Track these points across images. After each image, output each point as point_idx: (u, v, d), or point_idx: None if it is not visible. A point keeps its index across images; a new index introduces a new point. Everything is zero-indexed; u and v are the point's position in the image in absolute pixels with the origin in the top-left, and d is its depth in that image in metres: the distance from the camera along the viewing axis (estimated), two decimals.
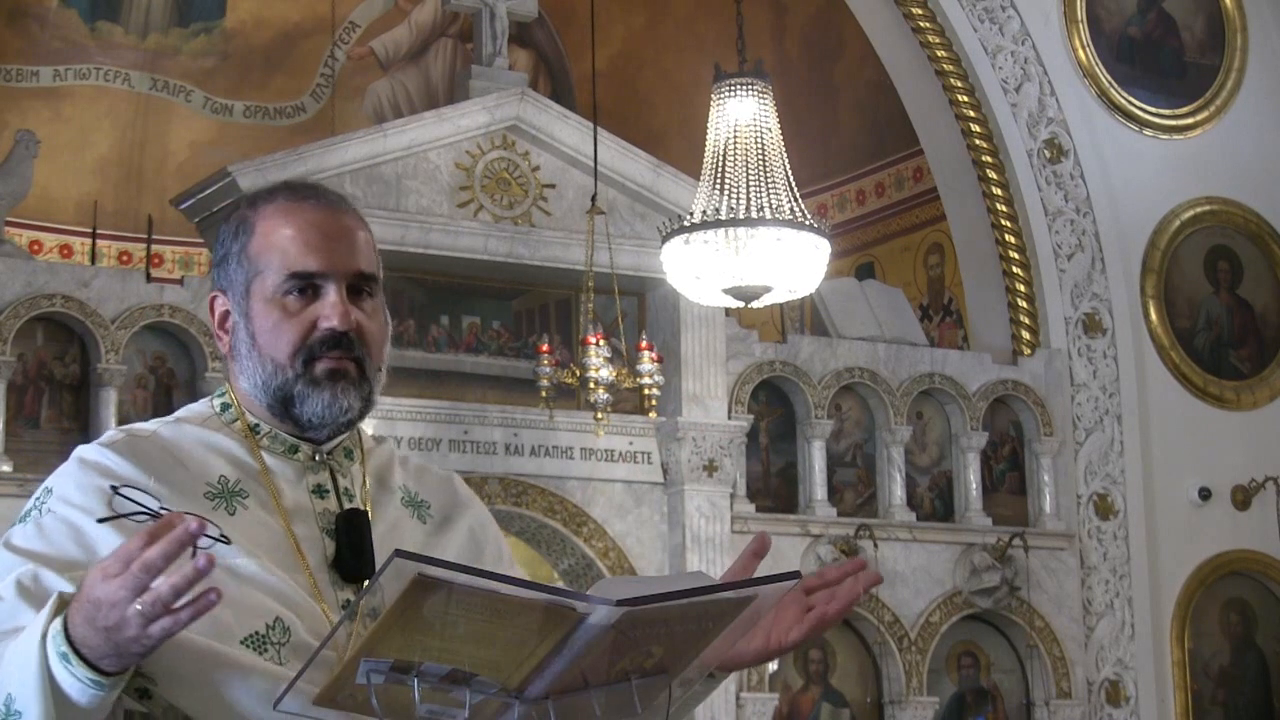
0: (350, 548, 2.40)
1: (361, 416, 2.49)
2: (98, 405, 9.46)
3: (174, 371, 9.79)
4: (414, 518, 2.54)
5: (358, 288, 2.46)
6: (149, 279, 10.02)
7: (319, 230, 2.45)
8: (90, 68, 14.51)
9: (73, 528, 2.31)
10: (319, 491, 2.47)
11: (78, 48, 14.47)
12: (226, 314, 2.49)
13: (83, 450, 2.42)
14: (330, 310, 2.42)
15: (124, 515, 2.18)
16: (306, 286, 2.44)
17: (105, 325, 9.49)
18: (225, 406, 2.51)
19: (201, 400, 2.56)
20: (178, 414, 2.54)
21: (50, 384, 9.51)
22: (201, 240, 11.12)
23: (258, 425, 2.48)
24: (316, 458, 2.48)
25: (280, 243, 2.44)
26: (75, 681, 2.10)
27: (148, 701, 2.27)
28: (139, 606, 2.01)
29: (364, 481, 2.51)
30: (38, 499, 2.37)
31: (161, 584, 2.00)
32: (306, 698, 2.10)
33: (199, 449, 2.45)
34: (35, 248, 13.84)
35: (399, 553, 2.04)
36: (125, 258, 14.22)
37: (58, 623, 2.11)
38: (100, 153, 14.52)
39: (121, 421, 9.50)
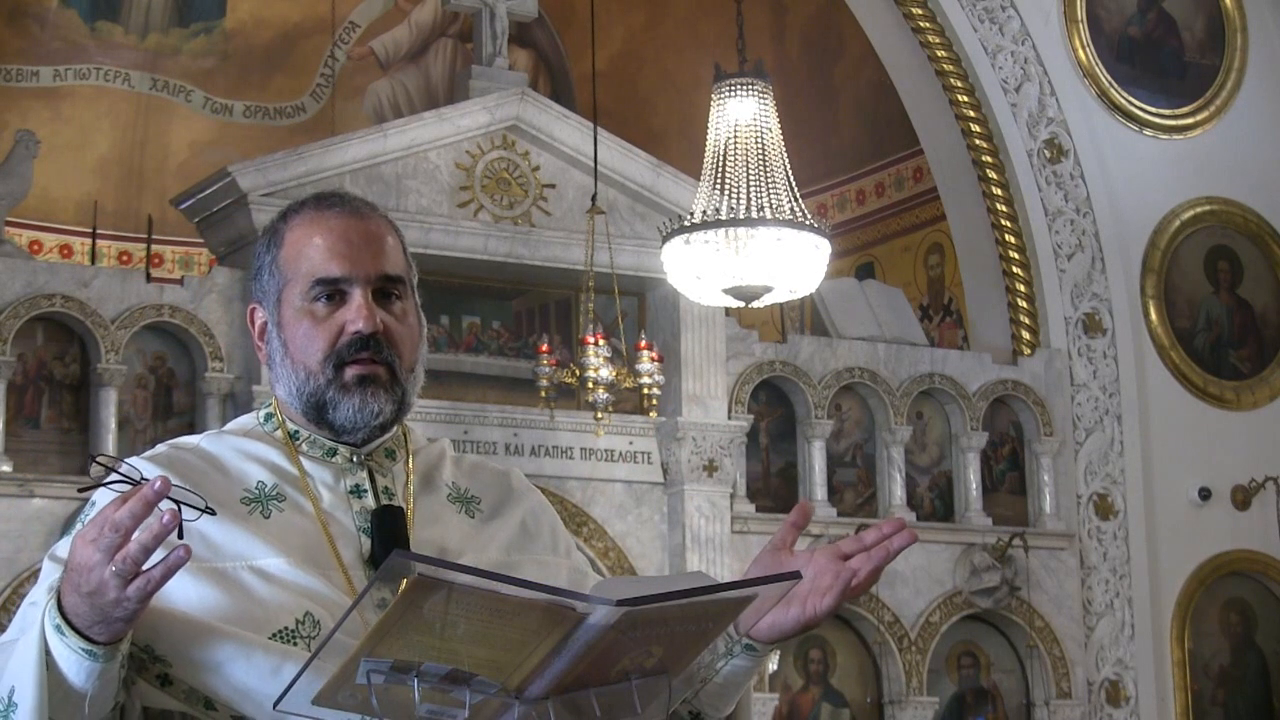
0: (384, 544, 2.42)
1: (397, 419, 2.52)
2: (98, 405, 9.46)
3: (174, 371, 9.80)
4: (461, 513, 2.56)
5: (386, 291, 2.49)
6: (149, 279, 10.03)
7: (342, 236, 2.49)
8: (90, 68, 14.51)
9: None
10: (357, 491, 2.50)
11: (78, 48, 14.47)
12: (264, 326, 2.54)
13: (126, 462, 2.46)
14: (355, 314, 2.46)
15: (104, 484, 2.20)
16: (333, 292, 2.47)
17: (105, 325, 9.49)
18: (269, 417, 2.56)
19: (249, 413, 2.62)
20: (224, 427, 2.61)
21: (50, 384, 9.52)
22: (201, 240, 11.11)
23: (297, 432, 2.52)
24: (354, 459, 2.51)
25: (306, 251, 2.49)
26: (70, 653, 2.15)
27: (169, 688, 2.30)
28: (113, 568, 2.06)
29: (408, 480, 2.54)
30: (82, 513, 2.43)
31: (131, 543, 2.05)
32: (323, 676, 2.11)
33: (238, 458, 2.50)
34: (35, 248, 13.84)
35: (398, 552, 2.05)
36: (125, 258, 14.22)
37: (52, 596, 2.17)
38: (100, 153, 14.52)
39: (121, 422, 9.52)
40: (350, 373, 2.46)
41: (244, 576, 2.35)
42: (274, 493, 2.45)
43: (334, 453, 2.51)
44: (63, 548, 2.36)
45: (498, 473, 2.67)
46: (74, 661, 2.15)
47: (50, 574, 2.32)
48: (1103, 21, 12.11)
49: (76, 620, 2.14)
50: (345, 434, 2.49)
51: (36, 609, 2.26)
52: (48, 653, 2.16)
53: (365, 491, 2.50)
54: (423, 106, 14.00)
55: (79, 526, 2.37)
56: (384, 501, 2.49)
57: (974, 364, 11.48)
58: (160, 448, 2.52)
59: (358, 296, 2.46)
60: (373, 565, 2.43)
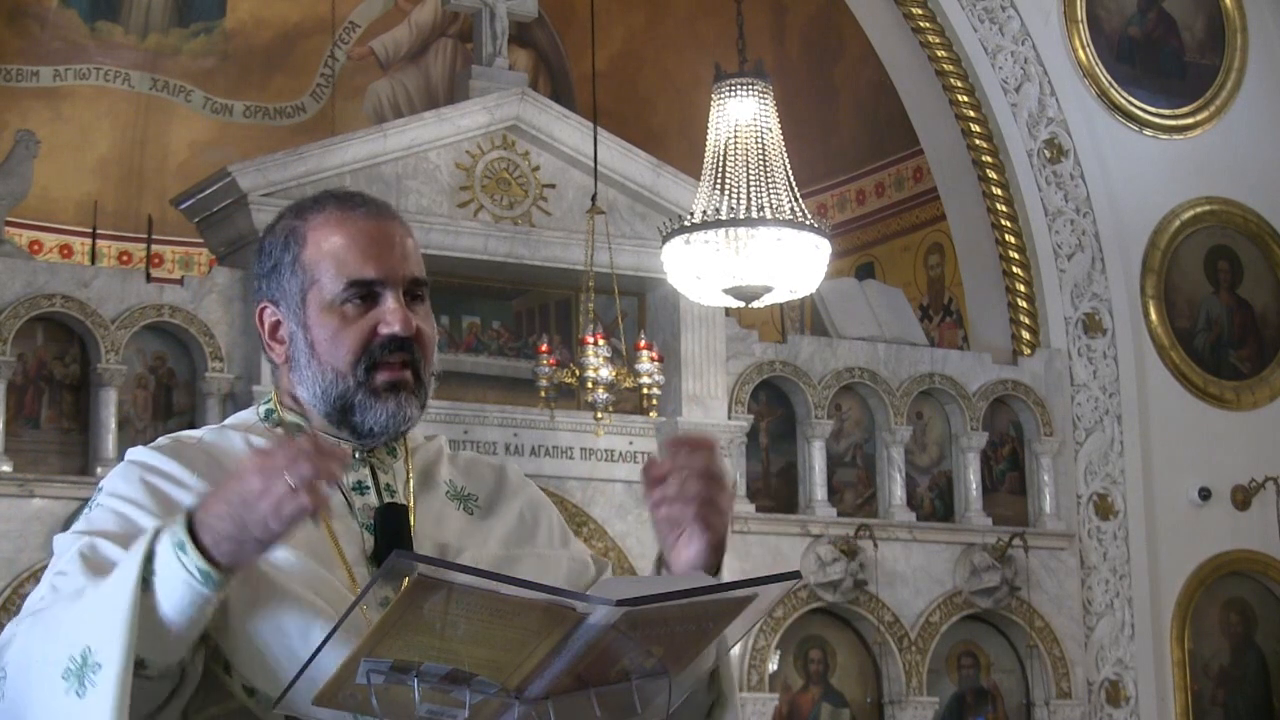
0: (388, 542, 2.41)
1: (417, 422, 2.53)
2: (98, 405, 9.46)
3: (174, 371, 9.79)
4: (459, 510, 2.56)
5: (412, 293, 2.50)
6: (149, 279, 10.02)
7: (372, 238, 2.49)
8: (90, 68, 14.51)
9: (119, 515, 2.38)
10: (359, 488, 2.50)
11: (78, 48, 14.47)
12: (277, 324, 2.52)
13: (131, 452, 2.49)
14: (391, 316, 2.46)
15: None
16: (365, 294, 2.47)
17: (105, 325, 9.49)
18: (270, 413, 2.55)
19: (248, 408, 2.62)
20: (225, 422, 2.61)
21: (50, 384, 9.51)
22: (201, 240, 11.11)
23: (299, 427, 2.51)
24: (356, 455, 2.51)
25: (336, 251, 2.47)
26: (182, 574, 2.15)
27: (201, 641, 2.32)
28: (290, 479, 2.12)
29: (408, 477, 2.54)
30: (92, 499, 2.45)
31: (312, 465, 2.13)
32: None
33: (241, 452, 2.49)
34: (35, 248, 13.84)
35: (399, 552, 2.05)
36: (125, 258, 14.22)
37: (180, 516, 2.18)
38: (100, 153, 14.52)
39: (121, 422, 9.51)
40: (381, 378, 2.45)
41: (252, 570, 2.33)
42: None
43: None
44: (75, 527, 2.39)
45: (493, 467, 2.67)
46: (181, 584, 2.16)
47: (72, 544, 2.33)
48: (1103, 21, 12.10)
49: (206, 534, 2.15)
50: (369, 437, 2.49)
51: (66, 578, 2.26)
52: (143, 602, 2.15)
53: (368, 488, 2.50)
54: (423, 106, 14.00)
55: (88, 511, 2.40)
56: (386, 498, 2.49)
57: (974, 364, 11.48)
58: (164, 440, 2.52)
59: (391, 299, 2.46)
60: (376, 563, 2.42)
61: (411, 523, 2.47)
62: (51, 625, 2.21)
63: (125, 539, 2.30)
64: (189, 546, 2.15)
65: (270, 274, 2.52)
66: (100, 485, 2.44)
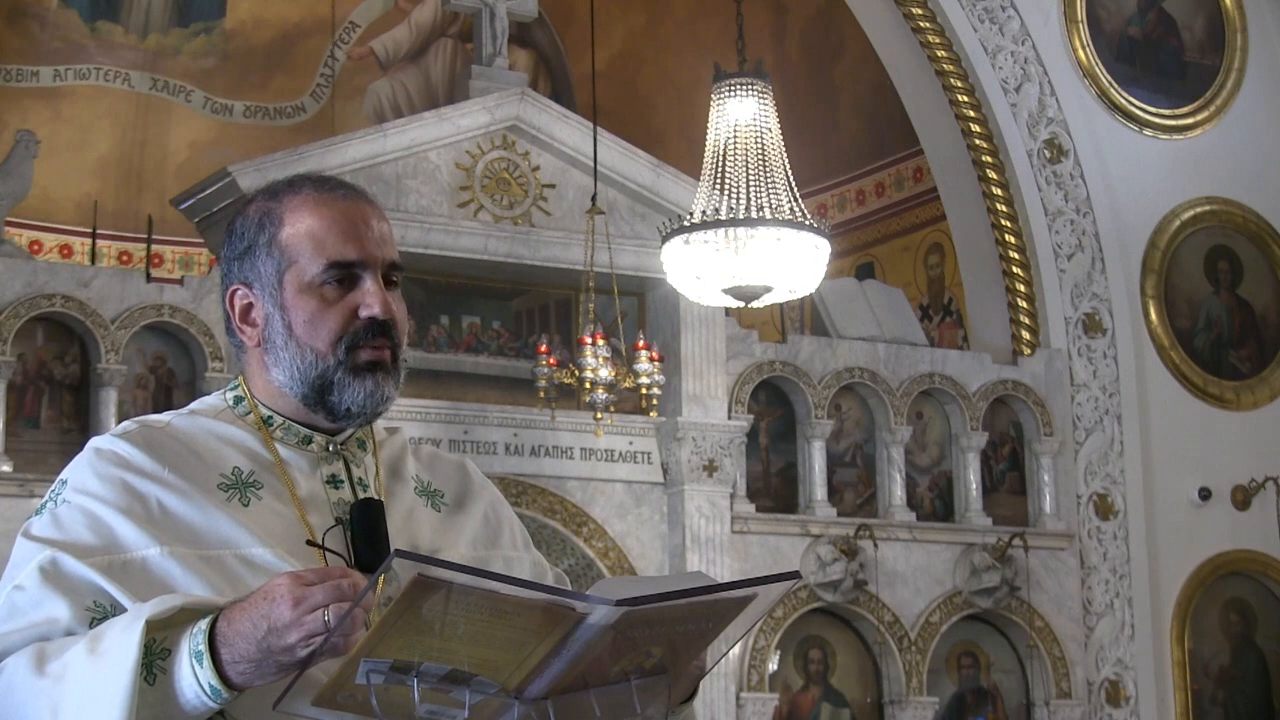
0: (365, 538, 2.40)
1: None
2: (98, 405, 9.46)
3: (174, 371, 9.80)
4: (428, 506, 2.55)
5: (388, 278, 2.48)
6: (149, 279, 10.02)
7: (351, 220, 2.46)
8: (90, 68, 14.51)
9: (89, 515, 2.35)
10: (333, 482, 2.48)
11: (78, 48, 14.47)
12: (249, 307, 2.49)
13: (97, 441, 2.45)
14: (371, 299, 2.44)
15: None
16: (344, 276, 2.44)
17: (105, 325, 9.49)
18: (238, 400, 2.52)
19: (214, 394, 2.57)
20: (191, 406, 2.56)
21: (50, 384, 9.51)
22: (201, 240, 11.11)
23: (270, 417, 2.48)
24: (330, 448, 2.49)
25: (316, 232, 2.45)
26: (195, 686, 2.14)
27: None
28: (327, 616, 2.09)
29: (377, 471, 2.52)
30: (53, 491, 2.41)
31: (342, 608, 2.10)
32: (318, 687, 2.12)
33: (213, 441, 2.46)
34: (35, 248, 13.84)
35: (398, 552, 2.05)
36: (125, 258, 14.22)
37: (203, 623, 2.15)
38: (100, 153, 14.52)
39: (121, 422, 9.49)
40: (363, 356, 2.43)
41: (232, 565, 2.33)
42: (251, 480, 2.42)
43: (309, 440, 2.48)
44: (37, 526, 2.36)
45: (455, 464, 2.66)
46: (190, 693, 2.15)
47: (33, 554, 2.30)
48: (1103, 21, 12.10)
49: (226, 650, 2.13)
50: (346, 418, 2.46)
51: (24, 594, 2.25)
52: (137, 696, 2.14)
53: (342, 482, 2.48)
54: (423, 106, 14.00)
55: (51, 506, 2.37)
56: (359, 492, 2.47)
57: (974, 364, 11.48)
58: (131, 425, 2.48)
59: (371, 282, 2.44)
60: (355, 560, 2.39)
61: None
62: (41, 700, 2.19)
63: (90, 553, 2.29)
64: (206, 660, 2.14)
65: (244, 256, 2.49)
66: (64, 477, 2.40)
